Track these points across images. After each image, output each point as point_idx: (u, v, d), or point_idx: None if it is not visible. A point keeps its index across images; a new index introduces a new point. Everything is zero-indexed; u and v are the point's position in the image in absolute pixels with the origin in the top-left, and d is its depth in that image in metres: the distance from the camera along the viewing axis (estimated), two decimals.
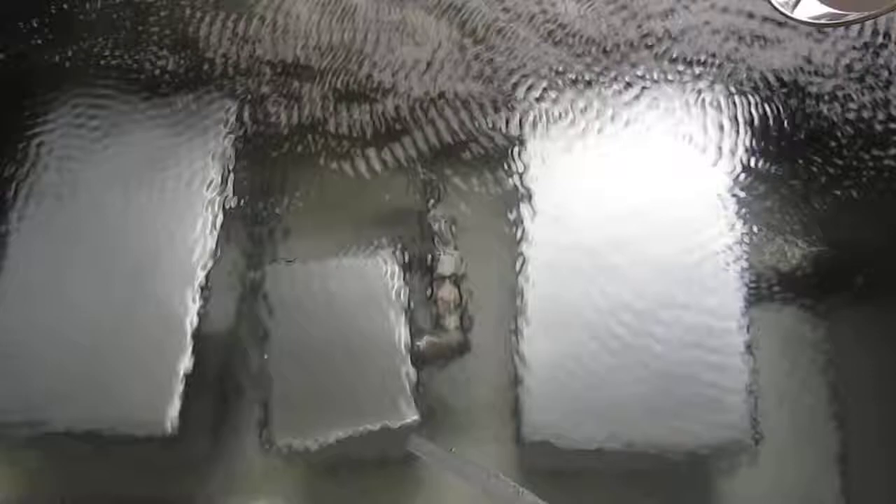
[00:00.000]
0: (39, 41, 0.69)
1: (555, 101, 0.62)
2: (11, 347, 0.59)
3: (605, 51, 0.61)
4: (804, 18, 0.40)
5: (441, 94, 0.64)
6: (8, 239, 0.62)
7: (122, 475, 0.59)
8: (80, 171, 0.64)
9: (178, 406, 0.56)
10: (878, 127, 0.55)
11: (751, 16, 0.57)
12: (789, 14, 0.40)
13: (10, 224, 0.62)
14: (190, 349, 0.58)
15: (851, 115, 0.55)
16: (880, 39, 0.56)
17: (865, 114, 0.54)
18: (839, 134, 0.55)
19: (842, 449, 0.54)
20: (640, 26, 0.61)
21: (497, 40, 0.64)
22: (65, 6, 0.70)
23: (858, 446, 0.54)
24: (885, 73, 0.55)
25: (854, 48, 0.55)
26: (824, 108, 0.55)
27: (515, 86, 0.62)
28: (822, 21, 0.39)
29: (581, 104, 0.61)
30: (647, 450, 0.53)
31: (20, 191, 0.63)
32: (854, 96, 0.54)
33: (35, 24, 0.69)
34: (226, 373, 0.61)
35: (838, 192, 0.56)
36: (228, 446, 0.60)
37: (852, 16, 0.38)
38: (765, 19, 0.55)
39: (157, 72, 0.67)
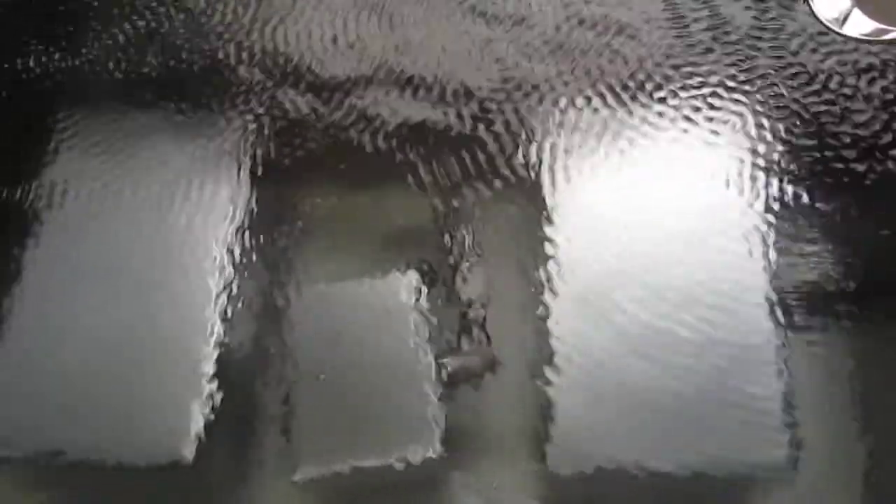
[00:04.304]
0: (50, 61, 0.67)
1: (584, 123, 0.62)
2: (27, 376, 0.55)
3: (630, 75, 0.62)
4: (854, 35, 0.42)
5: (465, 114, 0.63)
6: (20, 265, 0.59)
7: None
8: (93, 194, 0.61)
9: (199, 434, 0.53)
10: None
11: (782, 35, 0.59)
12: (838, 30, 0.42)
13: (24, 251, 0.59)
14: (210, 376, 0.55)
15: (890, 138, 0.56)
16: None
17: None
18: (877, 157, 0.56)
19: (882, 479, 0.54)
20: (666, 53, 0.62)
21: (521, 60, 0.64)
22: (76, 29, 0.68)
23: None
24: None
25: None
26: (862, 132, 0.56)
27: (541, 106, 0.63)
28: (872, 38, 0.41)
29: (610, 127, 0.61)
30: (680, 476, 0.52)
31: (34, 215, 0.61)
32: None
33: (46, 45, 0.68)
34: (247, 399, 0.57)
35: (876, 215, 0.57)
36: (250, 475, 0.55)
37: None
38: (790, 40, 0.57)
39: (173, 92, 0.65)
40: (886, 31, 0.41)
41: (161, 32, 0.68)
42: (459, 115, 0.63)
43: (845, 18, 0.43)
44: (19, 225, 0.60)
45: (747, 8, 0.59)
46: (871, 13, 0.42)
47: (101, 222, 0.60)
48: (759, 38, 0.58)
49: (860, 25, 0.43)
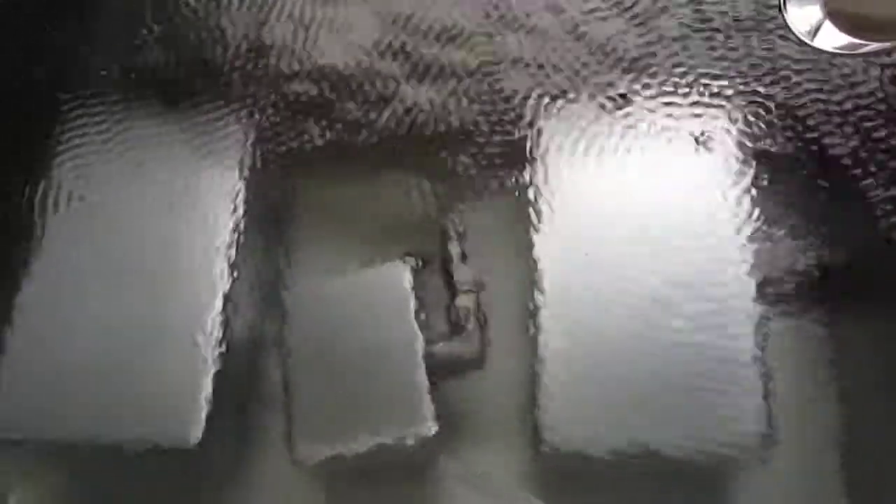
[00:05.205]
0: (55, 66, 0.70)
1: (573, 112, 0.63)
2: (35, 364, 0.59)
3: (624, 69, 0.62)
4: (825, 48, 0.42)
5: (457, 107, 0.64)
6: (31, 257, 0.62)
7: (145, 490, 0.58)
8: (101, 188, 0.64)
9: (202, 420, 0.56)
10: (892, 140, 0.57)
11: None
12: (810, 43, 0.42)
13: (33, 242, 0.62)
14: (212, 363, 0.58)
15: (863, 130, 0.57)
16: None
17: (879, 130, 0.57)
18: (851, 148, 0.57)
19: (855, 455, 0.56)
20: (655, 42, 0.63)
21: (512, 51, 0.65)
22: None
23: (873, 449, 0.56)
24: None
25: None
26: (839, 125, 0.57)
27: (532, 98, 0.64)
28: (844, 52, 0.41)
29: (598, 117, 0.62)
30: (668, 458, 0.54)
31: (43, 209, 0.63)
32: (869, 115, 0.56)
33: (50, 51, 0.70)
34: (248, 385, 0.61)
35: (853, 202, 0.58)
36: (251, 458, 0.59)
37: (873, 46, 0.40)
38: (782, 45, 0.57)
39: (176, 91, 0.67)
40: (860, 46, 0.41)
41: (163, 32, 0.70)
42: (455, 109, 0.64)
43: (816, 31, 0.43)
44: (32, 224, 0.63)
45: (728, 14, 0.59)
46: (843, 26, 0.42)
47: (110, 218, 0.63)
48: (739, 44, 0.58)
49: (831, 38, 0.43)
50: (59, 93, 0.68)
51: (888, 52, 0.47)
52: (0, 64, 0.70)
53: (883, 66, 0.53)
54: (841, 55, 0.48)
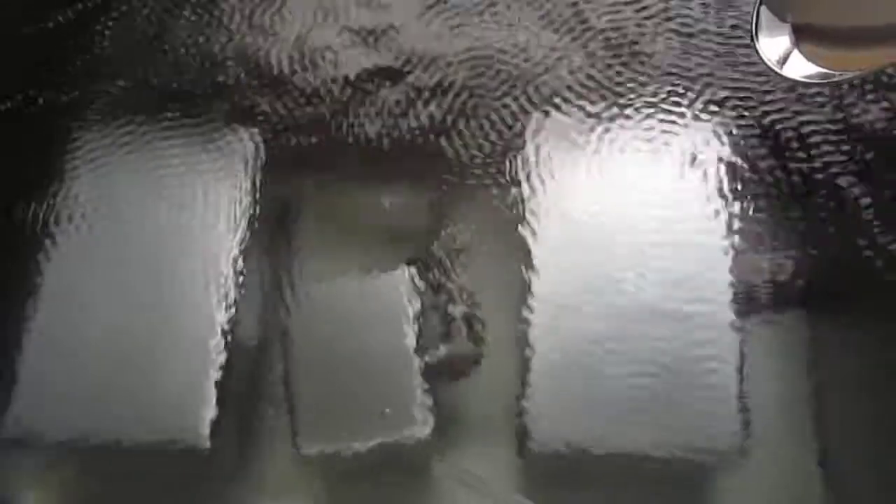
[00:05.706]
0: (73, 72, 0.72)
1: (568, 128, 0.65)
2: (45, 366, 0.61)
3: (619, 82, 0.65)
4: (794, 77, 0.45)
5: (453, 117, 0.67)
6: (44, 264, 0.64)
7: (153, 488, 0.61)
8: (113, 198, 0.67)
9: (208, 419, 0.59)
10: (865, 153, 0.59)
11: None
12: (778, 71, 0.45)
13: (46, 250, 0.64)
14: (218, 364, 0.60)
15: (847, 147, 0.59)
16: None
17: (857, 144, 0.59)
18: (828, 172, 0.59)
19: (833, 453, 0.57)
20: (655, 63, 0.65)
21: (508, 61, 0.67)
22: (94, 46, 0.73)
23: (848, 450, 0.58)
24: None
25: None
26: (823, 143, 0.59)
27: (527, 114, 0.66)
28: (812, 80, 0.44)
29: (594, 127, 0.64)
30: (653, 460, 0.56)
31: (57, 218, 0.66)
32: (849, 129, 0.58)
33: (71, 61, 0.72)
34: (252, 386, 0.63)
35: (830, 210, 0.60)
36: (256, 456, 0.62)
37: (838, 76, 0.43)
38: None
39: (183, 97, 0.70)
40: (828, 76, 0.44)
41: (164, 43, 0.72)
42: (453, 124, 0.67)
43: (785, 60, 0.46)
44: (47, 233, 0.66)
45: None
46: (812, 56, 0.45)
47: (121, 225, 0.66)
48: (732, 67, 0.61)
49: (800, 68, 0.45)
50: (74, 106, 0.71)
51: (864, 80, 0.50)
52: (18, 78, 0.72)
53: (871, 90, 0.56)
54: (808, 84, 0.51)
